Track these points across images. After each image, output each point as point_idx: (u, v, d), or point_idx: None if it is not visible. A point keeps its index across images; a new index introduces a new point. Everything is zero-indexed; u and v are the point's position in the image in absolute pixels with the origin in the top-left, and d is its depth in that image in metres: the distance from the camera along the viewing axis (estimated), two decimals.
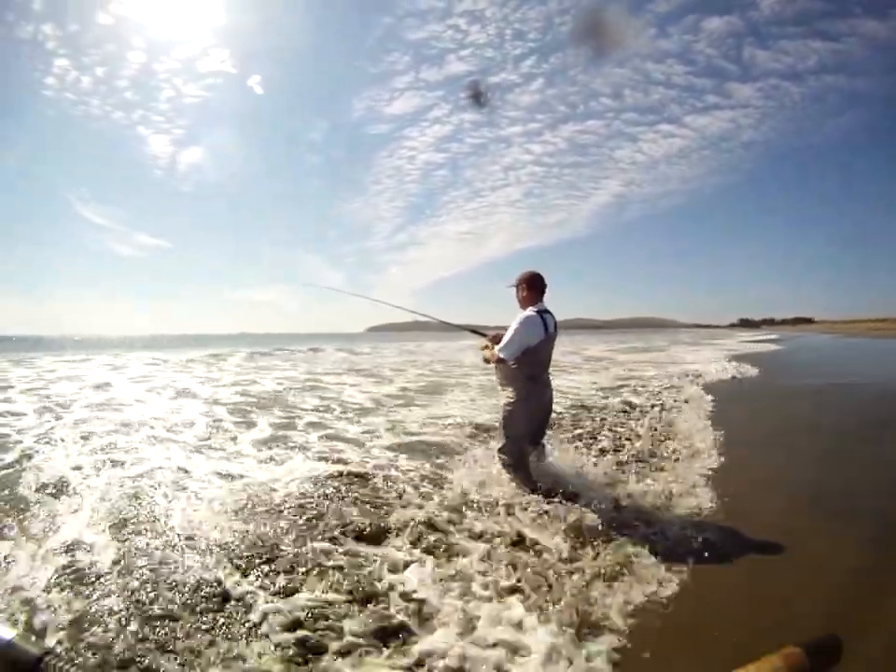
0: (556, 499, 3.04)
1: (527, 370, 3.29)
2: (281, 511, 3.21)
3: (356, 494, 3.52)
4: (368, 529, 2.89)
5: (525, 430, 3.34)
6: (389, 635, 1.96)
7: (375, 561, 2.50)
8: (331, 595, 2.21)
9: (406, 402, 8.22)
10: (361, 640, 1.92)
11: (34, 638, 0.87)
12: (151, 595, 2.20)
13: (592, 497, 3.17)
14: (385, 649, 1.89)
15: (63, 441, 5.12)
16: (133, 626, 1.99)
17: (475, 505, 3.15)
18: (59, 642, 1.89)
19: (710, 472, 3.88)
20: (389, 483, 3.72)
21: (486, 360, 3.47)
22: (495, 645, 1.87)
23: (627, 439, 5.12)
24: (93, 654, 1.83)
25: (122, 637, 1.93)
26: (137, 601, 2.15)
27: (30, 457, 4.52)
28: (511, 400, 3.32)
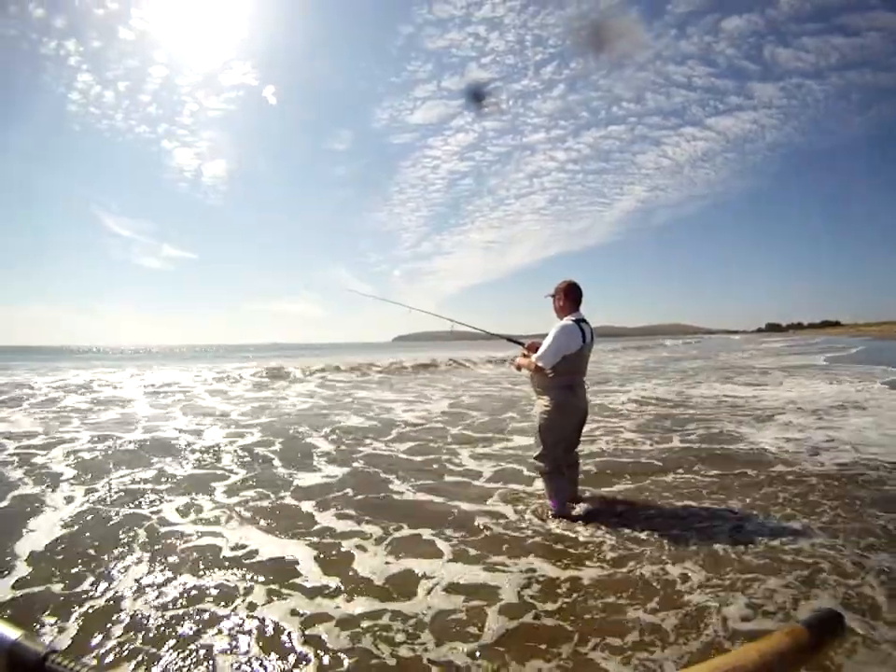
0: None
1: (564, 378, 3.33)
2: None
3: None
4: None
5: (560, 438, 3.39)
6: None
7: None
8: None
9: (485, 425, 6.78)
10: None
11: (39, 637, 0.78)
12: None
13: None
14: None
15: (60, 487, 3.90)
16: None
17: None
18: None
19: None
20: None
21: (518, 367, 3.59)
22: None
23: None
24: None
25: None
26: None
27: (17, 513, 3.37)
28: (548, 408, 3.34)
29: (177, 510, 3.51)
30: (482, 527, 3.19)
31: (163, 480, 4.23)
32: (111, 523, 3.28)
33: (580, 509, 3.47)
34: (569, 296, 3.44)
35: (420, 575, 2.56)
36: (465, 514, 3.43)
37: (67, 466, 4.60)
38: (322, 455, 5.07)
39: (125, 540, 2.99)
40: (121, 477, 4.28)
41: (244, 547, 2.90)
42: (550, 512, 3.38)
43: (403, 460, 4.95)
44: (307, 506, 3.61)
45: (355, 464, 4.75)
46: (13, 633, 0.50)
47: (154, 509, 3.53)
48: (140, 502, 3.67)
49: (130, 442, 5.65)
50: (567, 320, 3.35)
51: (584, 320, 3.40)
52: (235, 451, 5.26)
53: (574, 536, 3.04)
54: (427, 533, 3.11)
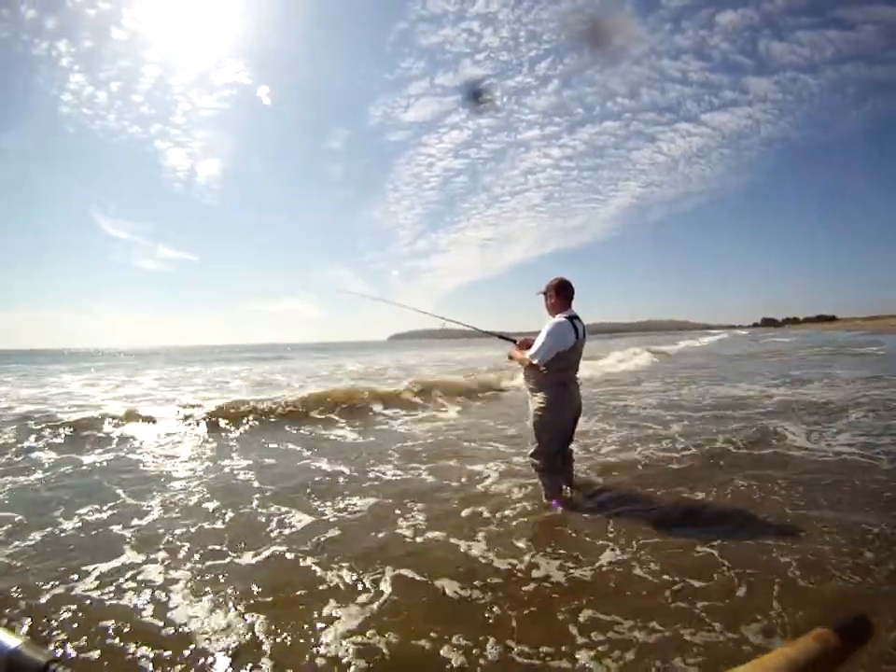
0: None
1: (558, 375, 3.35)
2: None
3: None
4: None
5: (555, 434, 3.41)
6: None
7: None
8: None
9: (511, 438, 5.94)
10: None
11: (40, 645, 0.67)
12: None
13: None
14: None
15: None
16: None
17: None
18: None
19: None
20: None
21: (510, 357, 3.63)
22: None
23: None
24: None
25: None
26: None
27: None
28: (542, 406, 3.36)
29: (115, 571, 2.77)
30: (524, 578, 2.52)
31: (114, 523, 3.50)
32: (27, 586, 2.58)
33: (576, 494, 3.65)
34: (560, 293, 3.45)
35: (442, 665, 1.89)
36: (493, 563, 2.72)
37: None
38: (310, 486, 4.28)
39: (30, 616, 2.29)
40: (64, 519, 3.58)
41: (179, 627, 2.17)
42: (547, 504, 3.45)
43: (411, 486, 4.21)
44: (281, 558, 2.88)
45: (351, 496, 3.96)
46: (13, 641, 0.49)
47: (86, 568, 2.79)
48: (71, 556, 2.96)
49: (86, 466, 5.00)
50: (560, 317, 3.37)
51: (577, 317, 3.42)
52: (210, 480, 4.54)
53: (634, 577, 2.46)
54: (446, 593, 2.41)
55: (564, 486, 3.59)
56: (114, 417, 6.68)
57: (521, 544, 2.95)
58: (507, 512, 3.42)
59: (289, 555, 2.89)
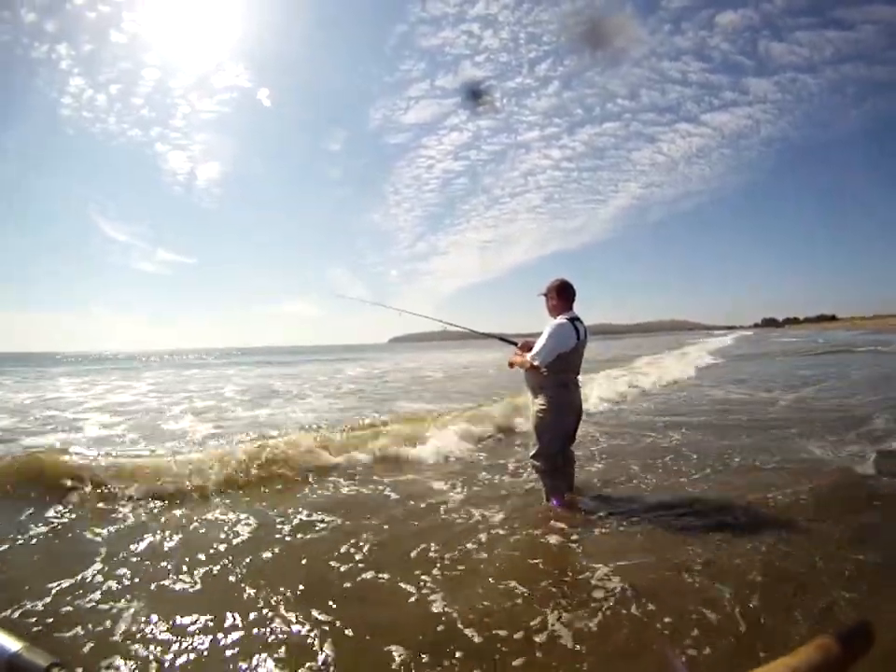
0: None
1: (559, 376, 3.35)
2: None
3: None
4: None
5: (557, 436, 3.40)
6: None
7: None
8: None
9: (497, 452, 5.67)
10: None
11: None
12: None
13: None
14: None
15: None
16: None
17: None
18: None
19: None
20: None
21: (511, 365, 3.59)
22: None
23: None
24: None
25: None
26: None
27: None
28: (544, 407, 3.36)
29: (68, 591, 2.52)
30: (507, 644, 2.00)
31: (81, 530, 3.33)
32: None
33: (580, 502, 3.56)
34: (562, 295, 3.45)
35: None
36: (457, 623, 2.15)
37: None
38: (274, 496, 3.97)
39: None
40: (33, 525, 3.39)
41: None
42: (550, 506, 3.44)
43: (372, 503, 3.77)
44: (224, 582, 2.57)
45: (311, 509, 3.56)
46: (14, 644, 0.49)
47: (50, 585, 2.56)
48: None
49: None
50: (562, 319, 3.37)
51: (578, 318, 3.43)
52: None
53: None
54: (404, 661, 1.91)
55: (564, 490, 3.53)
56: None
57: (508, 584, 2.49)
58: (481, 537, 3.01)
59: (231, 578, 2.60)
